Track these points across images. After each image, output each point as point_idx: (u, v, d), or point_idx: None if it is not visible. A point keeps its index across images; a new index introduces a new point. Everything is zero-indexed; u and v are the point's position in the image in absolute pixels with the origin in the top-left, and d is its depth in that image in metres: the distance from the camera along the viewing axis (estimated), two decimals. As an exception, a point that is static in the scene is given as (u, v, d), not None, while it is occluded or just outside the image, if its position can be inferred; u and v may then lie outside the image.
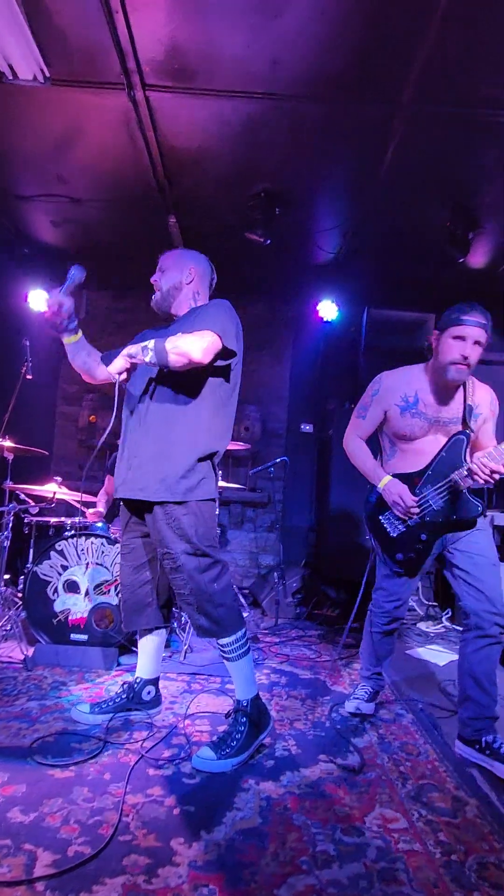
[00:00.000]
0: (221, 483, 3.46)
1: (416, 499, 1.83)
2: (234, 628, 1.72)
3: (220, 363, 1.75)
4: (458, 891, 1.12)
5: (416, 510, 1.83)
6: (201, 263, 1.99)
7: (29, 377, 3.11)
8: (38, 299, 4.36)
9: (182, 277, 1.91)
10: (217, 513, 1.84)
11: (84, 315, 4.82)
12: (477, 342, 1.75)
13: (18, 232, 4.00)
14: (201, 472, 1.73)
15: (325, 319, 4.51)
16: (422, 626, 3.71)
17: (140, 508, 1.79)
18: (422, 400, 1.87)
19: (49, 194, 3.34)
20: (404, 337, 4.33)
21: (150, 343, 1.62)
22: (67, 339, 1.83)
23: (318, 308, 4.45)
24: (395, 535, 1.92)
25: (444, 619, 3.80)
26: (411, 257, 3.83)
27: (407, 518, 1.86)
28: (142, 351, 1.62)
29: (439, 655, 2.97)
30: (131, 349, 1.65)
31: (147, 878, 1.10)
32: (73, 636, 2.54)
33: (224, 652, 1.73)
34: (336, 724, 1.93)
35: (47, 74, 2.29)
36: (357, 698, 2.05)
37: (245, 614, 3.42)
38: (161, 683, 2.21)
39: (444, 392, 1.85)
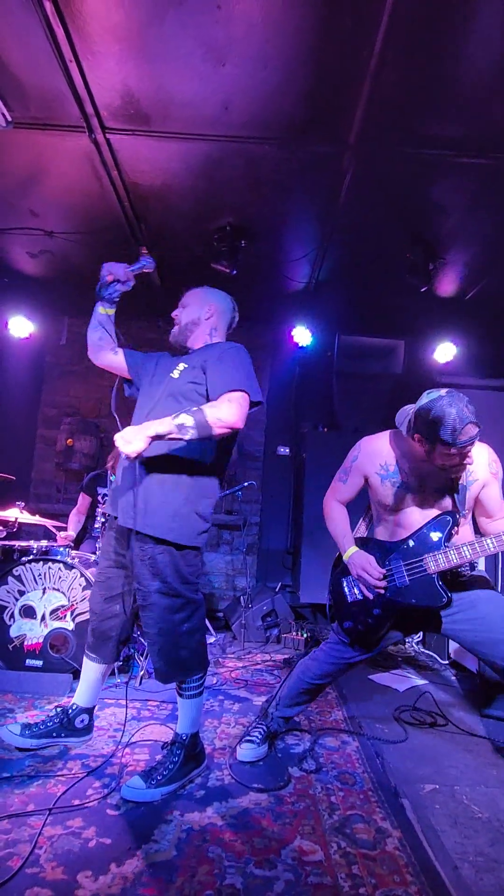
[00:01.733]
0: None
1: (383, 572, 1.75)
2: (195, 670, 1.73)
3: None
4: (357, 925, 1.12)
5: (382, 584, 1.75)
6: (223, 302, 2.02)
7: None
8: (18, 326, 4.46)
9: (201, 314, 1.95)
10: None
11: (63, 341, 4.92)
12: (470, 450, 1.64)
13: (-3, 263, 4.11)
14: (194, 518, 1.71)
15: (299, 345, 4.60)
16: (390, 648, 3.69)
17: (124, 535, 1.77)
18: (401, 469, 1.77)
19: (23, 227, 3.45)
20: (375, 362, 4.42)
21: (189, 420, 1.54)
22: (102, 309, 1.92)
23: (292, 334, 4.54)
24: (350, 600, 1.84)
25: (413, 641, 3.77)
26: (379, 286, 3.93)
27: (371, 594, 1.79)
28: (178, 430, 1.54)
29: (401, 681, 2.96)
30: (161, 427, 1.55)
31: (44, 913, 1.10)
32: (29, 661, 2.54)
33: (180, 688, 1.74)
34: (278, 753, 1.93)
35: (9, 118, 2.40)
36: (250, 741, 1.88)
37: (212, 639, 3.41)
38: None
39: (428, 463, 1.70)
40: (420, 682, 2.93)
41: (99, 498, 3.54)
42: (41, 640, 2.57)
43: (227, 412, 1.61)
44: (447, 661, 3.31)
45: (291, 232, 3.36)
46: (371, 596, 1.79)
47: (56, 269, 4.00)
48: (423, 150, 2.54)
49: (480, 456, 1.75)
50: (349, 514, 1.97)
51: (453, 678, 3.06)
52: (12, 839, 1.34)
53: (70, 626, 2.61)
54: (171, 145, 2.61)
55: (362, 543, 1.89)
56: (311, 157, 2.68)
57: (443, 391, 1.65)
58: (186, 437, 1.56)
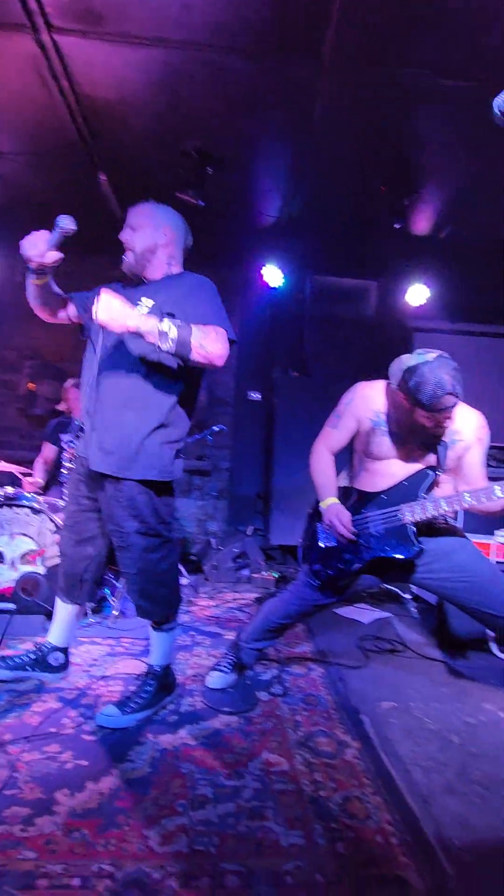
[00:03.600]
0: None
1: (353, 530, 1.76)
2: (173, 607, 1.78)
3: None
4: (318, 822, 1.22)
5: (351, 537, 1.76)
6: (177, 222, 1.85)
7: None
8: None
9: (157, 239, 1.78)
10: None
11: (21, 278, 4.62)
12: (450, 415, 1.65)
13: None
14: (165, 451, 1.67)
15: (270, 285, 4.46)
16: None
17: (95, 478, 1.71)
18: (390, 420, 1.78)
19: (-34, 146, 3.13)
20: (347, 305, 4.34)
21: (173, 331, 1.49)
22: (36, 281, 1.73)
23: (262, 273, 4.39)
24: (322, 545, 1.87)
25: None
26: (352, 222, 3.78)
27: (340, 542, 1.81)
28: (160, 336, 1.49)
29: (366, 613, 3.12)
30: (145, 324, 1.49)
31: (23, 827, 1.16)
32: (0, 605, 2.55)
33: (157, 622, 1.78)
34: (247, 681, 2.03)
35: None
36: (220, 671, 1.97)
37: (185, 581, 3.49)
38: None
39: (414, 420, 1.70)
40: (384, 614, 3.11)
41: (63, 444, 3.46)
42: (12, 584, 2.57)
43: (212, 344, 1.55)
44: (410, 596, 3.50)
45: (262, 161, 3.15)
46: (343, 543, 1.82)
47: (8, 196, 3.68)
48: (401, 72, 2.38)
49: (470, 420, 1.76)
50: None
51: (414, 610, 3.25)
52: (-10, 766, 1.39)
53: (41, 570, 2.62)
54: (128, 51, 2.35)
55: (343, 493, 1.90)
56: (282, 78, 2.48)
57: (432, 354, 1.63)
58: (164, 347, 1.50)
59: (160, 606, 1.75)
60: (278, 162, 3.14)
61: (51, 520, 2.71)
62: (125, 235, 1.82)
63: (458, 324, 4.61)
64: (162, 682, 1.78)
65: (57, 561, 2.69)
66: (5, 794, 1.28)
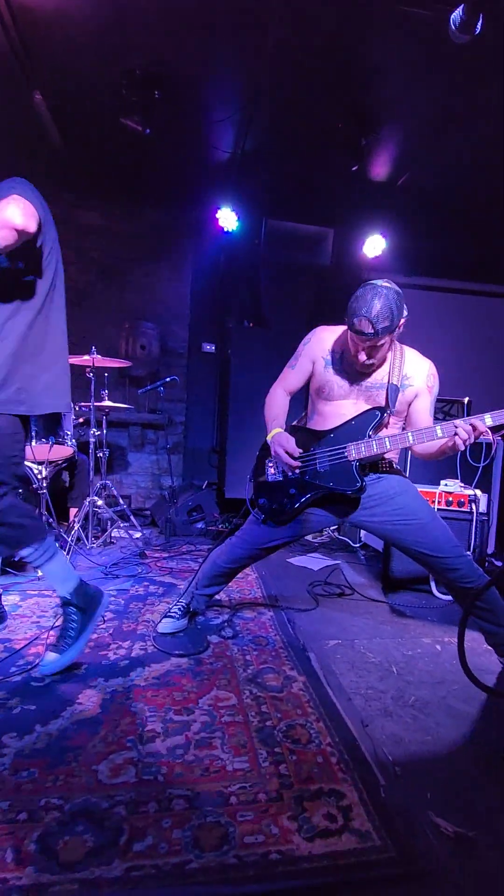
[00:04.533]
0: (109, 403, 3.35)
1: (298, 461, 1.79)
2: (29, 541, 1.62)
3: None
4: (263, 748, 1.28)
5: (296, 465, 1.79)
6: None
7: None
8: None
9: None
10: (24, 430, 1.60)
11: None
12: (369, 347, 1.63)
13: None
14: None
15: (225, 230, 4.27)
16: (308, 536, 3.98)
17: None
18: (344, 360, 1.78)
19: None
20: (304, 252, 4.24)
21: None
22: None
23: (217, 216, 4.19)
24: (269, 480, 1.89)
25: (329, 529, 4.10)
26: (309, 163, 3.64)
27: (288, 472, 1.84)
28: None
29: (316, 562, 3.23)
30: None
31: (-32, 770, 1.15)
32: None
33: (30, 562, 1.66)
34: (198, 626, 2.07)
35: None
36: (171, 616, 2.02)
37: (137, 534, 3.48)
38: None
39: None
40: (334, 562, 3.23)
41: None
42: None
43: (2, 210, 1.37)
44: (359, 545, 3.64)
45: (213, 87, 2.94)
46: (289, 474, 1.84)
47: None
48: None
49: (422, 367, 1.79)
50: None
51: (363, 557, 3.39)
52: None
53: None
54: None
55: (293, 431, 1.91)
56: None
57: (383, 281, 1.63)
58: None
59: (4, 544, 1.62)
60: (230, 89, 2.94)
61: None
62: None
63: (413, 277, 4.61)
64: (81, 607, 1.71)
65: None
66: None
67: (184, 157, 3.62)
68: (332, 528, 4.09)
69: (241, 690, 1.56)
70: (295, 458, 1.81)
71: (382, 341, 1.64)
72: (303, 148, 3.44)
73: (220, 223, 4.18)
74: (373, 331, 1.58)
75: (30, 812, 1.04)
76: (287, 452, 1.79)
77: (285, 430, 1.90)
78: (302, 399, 2.01)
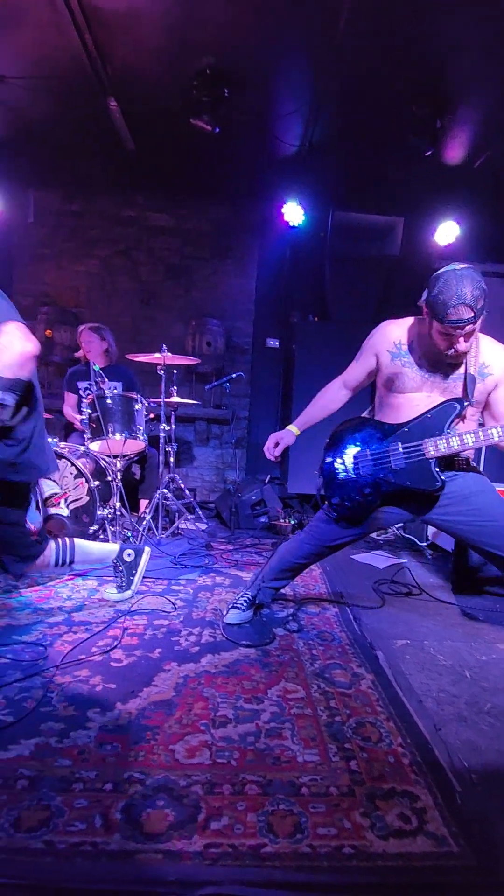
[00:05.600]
0: (178, 399, 3.46)
1: (276, 454, 2.00)
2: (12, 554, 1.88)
3: None
4: (333, 743, 1.29)
5: (272, 457, 2.01)
6: None
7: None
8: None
9: None
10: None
11: (32, 219, 4.50)
12: (467, 333, 1.57)
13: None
14: None
15: (290, 224, 4.26)
16: (373, 534, 3.91)
17: None
18: (413, 350, 1.73)
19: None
20: (371, 243, 4.14)
21: None
22: None
23: (283, 211, 4.18)
24: (340, 478, 1.86)
25: (395, 526, 4.00)
26: (379, 150, 3.54)
27: (275, 456, 2.00)
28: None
29: (382, 559, 3.18)
30: None
31: (59, 739, 1.25)
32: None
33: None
34: (263, 618, 2.11)
35: None
36: (237, 608, 2.05)
37: (203, 526, 3.58)
38: (111, 589, 2.38)
39: (439, 351, 1.66)
40: (399, 560, 3.15)
41: (80, 392, 3.47)
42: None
43: (13, 346, 1.50)
44: (426, 543, 3.53)
45: (282, 79, 2.92)
46: (361, 473, 1.81)
47: (14, 128, 3.53)
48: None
49: (500, 354, 1.70)
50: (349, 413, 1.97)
51: (430, 557, 3.29)
52: (26, 686, 1.49)
53: (65, 512, 2.70)
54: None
55: (360, 423, 1.89)
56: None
57: (454, 264, 1.57)
58: (11, 406, 1.53)
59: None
60: (299, 80, 2.91)
61: (73, 464, 2.77)
62: None
63: (489, 264, 4.37)
64: (124, 559, 2.21)
65: (81, 503, 2.78)
66: (41, 710, 1.37)
67: (250, 153, 3.64)
68: (397, 526, 3.99)
69: (308, 684, 1.58)
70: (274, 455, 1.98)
71: (478, 323, 1.57)
72: (373, 135, 3.36)
73: (286, 218, 4.17)
74: (473, 314, 1.52)
75: (115, 783, 1.11)
76: (268, 447, 2.01)
77: (312, 424, 2.03)
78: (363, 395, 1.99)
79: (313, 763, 1.21)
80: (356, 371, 1.89)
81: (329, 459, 1.94)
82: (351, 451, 1.87)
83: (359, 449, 1.85)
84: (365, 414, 1.99)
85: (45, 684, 1.50)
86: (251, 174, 3.99)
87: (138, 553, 2.24)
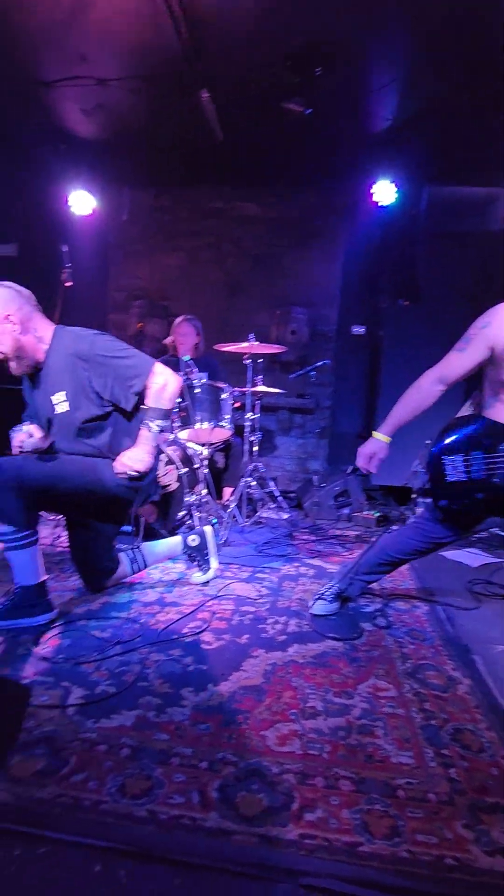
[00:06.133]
0: (263, 388, 3.47)
1: (370, 469, 1.89)
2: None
3: None
4: (429, 747, 1.24)
5: (372, 470, 1.90)
6: (8, 298, 1.81)
7: (68, 284, 3.15)
8: (80, 202, 4.28)
9: (13, 331, 1.80)
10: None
11: (126, 217, 4.70)
12: None
13: (53, 126, 3.84)
14: None
15: (380, 204, 4.07)
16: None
17: None
18: None
19: (74, 77, 3.13)
20: (469, 219, 3.85)
21: (154, 425, 1.92)
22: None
23: (372, 191, 4.01)
24: (450, 479, 1.76)
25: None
26: (480, 115, 3.25)
27: (369, 471, 1.89)
28: (160, 433, 1.95)
29: (474, 557, 2.99)
30: (147, 444, 1.93)
31: (156, 714, 1.32)
32: (122, 528, 2.81)
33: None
34: (349, 611, 2.07)
35: None
36: (323, 599, 2.01)
37: (285, 515, 3.58)
38: (195, 572, 2.46)
39: None
40: (495, 559, 2.95)
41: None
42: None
43: (169, 387, 1.92)
44: (524, 542, 3.27)
45: (376, 49, 2.76)
46: (472, 476, 1.69)
47: (112, 129, 3.69)
48: None
49: None
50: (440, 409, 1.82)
51: (529, 557, 3.04)
52: (125, 660, 1.58)
53: (155, 497, 2.82)
54: None
55: (475, 421, 1.75)
56: None
57: None
58: (168, 440, 1.94)
59: None
60: (394, 49, 2.74)
61: (162, 451, 2.88)
62: None
63: None
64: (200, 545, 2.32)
65: (170, 489, 2.88)
66: (139, 685, 1.45)
67: (340, 133, 3.52)
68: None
69: (400, 683, 1.52)
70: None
71: None
72: (474, 101, 3.09)
73: (375, 198, 4.00)
74: None
75: (209, 762, 1.15)
76: (365, 461, 1.87)
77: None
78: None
79: (409, 766, 1.17)
80: (461, 363, 1.69)
81: (438, 457, 1.81)
82: (463, 451, 1.74)
83: (472, 449, 1.72)
84: (465, 409, 1.86)
85: (141, 660, 1.59)
86: (340, 156, 3.86)
87: (201, 535, 2.30)
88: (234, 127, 3.53)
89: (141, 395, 1.94)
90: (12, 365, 1.87)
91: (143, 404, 1.97)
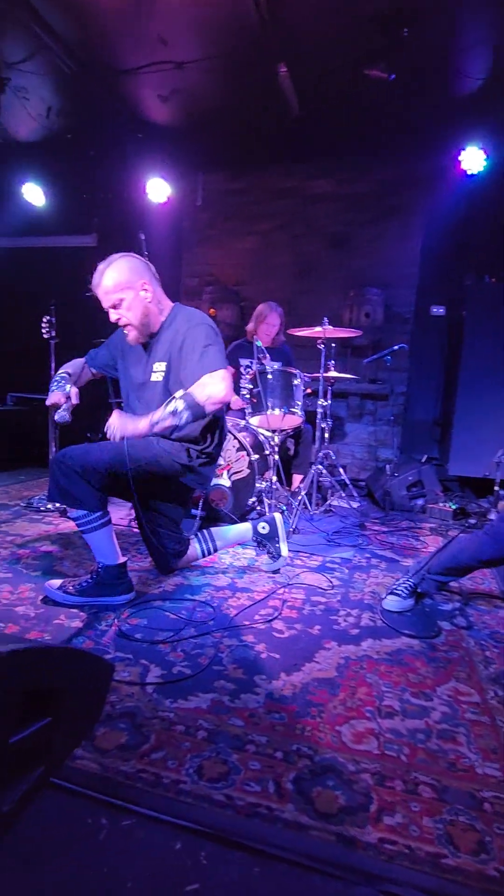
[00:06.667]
0: (335, 373, 3.38)
1: None
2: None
3: None
4: (517, 762, 1.16)
5: None
6: (141, 267, 1.93)
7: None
8: (156, 190, 4.35)
9: (145, 299, 1.92)
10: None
11: (200, 202, 4.72)
12: None
13: (132, 116, 3.91)
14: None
15: (468, 173, 3.78)
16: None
17: None
18: None
19: (153, 63, 3.15)
20: None
21: (179, 404, 1.77)
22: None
23: (460, 159, 3.73)
24: None
25: None
26: None
27: None
28: (172, 416, 1.78)
29: None
30: (158, 417, 1.79)
31: (231, 699, 1.33)
32: (194, 511, 2.87)
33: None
34: (426, 608, 1.98)
35: None
36: (397, 594, 1.95)
37: (356, 504, 3.50)
38: (265, 558, 2.47)
39: None
40: None
41: (242, 369, 3.57)
42: (201, 493, 2.86)
43: (215, 388, 1.81)
44: None
45: (467, 5, 2.53)
46: None
47: (187, 113, 3.69)
48: None
49: None
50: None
51: None
52: (199, 643, 1.62)
53: (227, 483, 2.85)
54: None
55: None
56: None
57: None
58: (183, 421, 1.78)
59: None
60: (491, 1, 2.49)
61: (235, 437, 2.90)
62: (116, 317, 1.94)
63: None
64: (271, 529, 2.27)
65: (242, 475, 2.90)
66: (214, 668, 1.48)
67: (426, 98, 3.28)
68: None
69: (483, 689, 1.44)
70: None
71: None
72: None
73: (463, 166, 3.72)
74: None
75: (284, 753, 1.14)
76: None
77: None
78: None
79: (496, 779, 1.10)
80: None
81: None
82: None
83: None
84: None
85: (215, 644, 1.62)
86: (423, 124, 3.62)
87: (270, 522, 2.28)
88: (312, 100, 3.40)
89: None
90: (133, 333, 1.96)
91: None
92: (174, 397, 1.80)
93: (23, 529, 2.74)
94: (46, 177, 4.64)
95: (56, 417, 2.01)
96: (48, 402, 2.05)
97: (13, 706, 0.88)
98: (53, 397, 2.05)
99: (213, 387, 1.81)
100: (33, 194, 4.60)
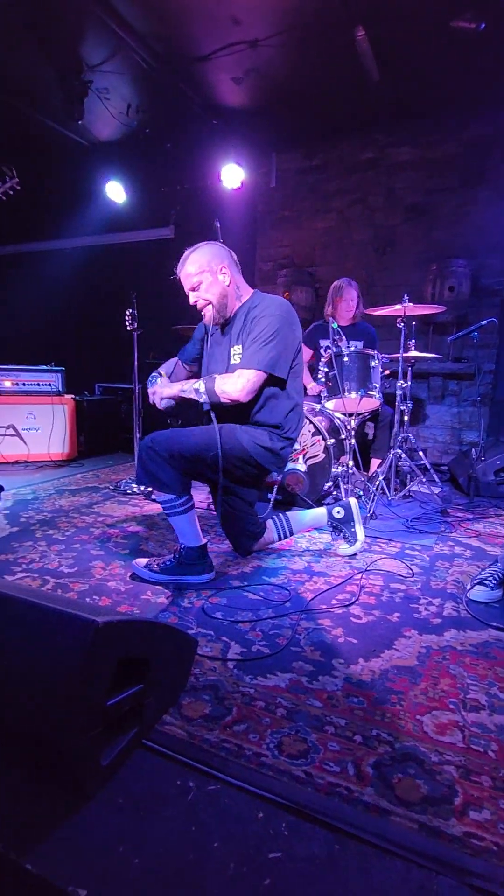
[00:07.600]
0: (415, 353, 3.23)
1: None
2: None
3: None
4: None
5: None
6: (222, 252, 2.00)
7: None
8: (230, 176, 4.35)
9: (223, 282, 1.99)
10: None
11: (274, 183, 4.66)
12: None
13: (206, 104, 3.93)
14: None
15: None
16: None
17: None
18: None
19: (226, 45, 3.14)
20: None
21: (201, 386, 1.92)
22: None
23: None
24: None
25: None
26: None
27: None
28: (195, 393, 1.93)
29: None
30: (185, 387, 1.97)
31: (309, 680, 1.35)
32: (269, 495, 2.91)
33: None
34: (518, 600, 1.87)
35: None
36: (484, 585, 1.86)
37: (437, 490, 3.35)
38: (341, 543, 2.45)
39: None
40: None
41: (322, 350, 3.52)
42: (279, 479, 2.88)
43: (231, 385, 1.89)
44: None
45: None
46: None
47: (261, 93, 3.64)
48: None
49: None
50: None
51: None
52: (277, 624, 1.65)
53: (302, 467, 2.85)
54: None
55: None
56: None
57: None
58: (201, 400, 1.92)
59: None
60: None
61: (310, 422, 2.88)
62: (195, 300, 2.02)
63: None
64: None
65: (317, 460, 2.89)
66: (291, 649, 1.50)
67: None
68: None
69: None
70: None
71: None
72: None
73: None
74: None
75: (364, 737, 1.14)
76: None
77: None
78: None
79: None
80: None
81: None
82: None
83: None
84: None
85: (292, 626, 1.64)
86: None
87: (345, 507, 2.28)
88: (392, 63, 3.21)
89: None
90: (211, 314, 2.03)
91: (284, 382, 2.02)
92: (201, 379, 1.96)
93: (112, 511, 2.93)
94: (126, 173, 4.80)
95: (161, 406, 2.10)
96: (151, 401, 2.13)
97: (109, 672, 0.96)
98: (153, 394, 2.12)
99: (231, 384, 1.90)
100: (115, 192, 4.79)
